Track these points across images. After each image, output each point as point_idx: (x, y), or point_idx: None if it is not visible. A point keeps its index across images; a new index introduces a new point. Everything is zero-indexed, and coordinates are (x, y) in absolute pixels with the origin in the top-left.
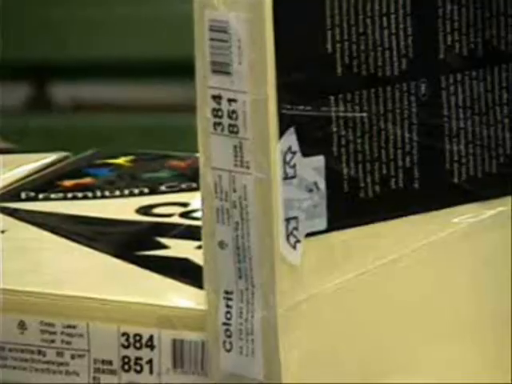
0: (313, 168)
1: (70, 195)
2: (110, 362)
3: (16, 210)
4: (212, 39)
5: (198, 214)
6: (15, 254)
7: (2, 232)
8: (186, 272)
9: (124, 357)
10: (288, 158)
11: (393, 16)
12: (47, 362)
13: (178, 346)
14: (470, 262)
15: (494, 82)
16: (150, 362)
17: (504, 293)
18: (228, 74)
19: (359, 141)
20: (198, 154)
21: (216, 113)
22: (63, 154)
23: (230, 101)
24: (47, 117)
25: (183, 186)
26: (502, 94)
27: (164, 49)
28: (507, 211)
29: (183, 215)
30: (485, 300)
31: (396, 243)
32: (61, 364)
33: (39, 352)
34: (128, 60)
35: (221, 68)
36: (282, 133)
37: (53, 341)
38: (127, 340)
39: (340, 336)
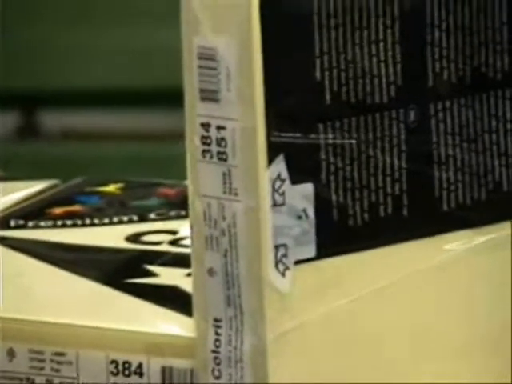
0: (302, 195)
1: (59, 223)
2: None
3: (5, 238)
4: (200, 67)
5: (187, 242)
6: (4, 281)
7: None
8: (175, 299)
9: None
10: (277, 185)
11: (381, 43)
12: None
13: (167, 374)
14: (461, 288)
15: (482, 109)
16: None
17: (496, 316)
18: (217, 101)
19: (348, 168)
20: (186, 182)
21: (205, 140)
22: (52, 181)
23: (219, 128)
24: (36, 145)
25: (172, 213)
26: (490, 121)
27: (152, 77)
28: (498, 238)
29: (172, 243)
30: (477, 323)
31: (386, 270)
32: None
33: (28, 379)
34: (116, 88)
35: (209, 95)
36: (270, 160)
37: (42, 368)
38: (116, 367)
39: (329, 363)
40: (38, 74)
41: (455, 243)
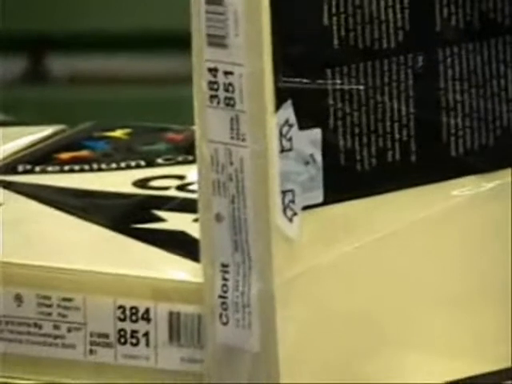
0: (309, 141)
1: (66, 168)
2: (107, 335)
3: (12, 182)
4: (208, 12)
5: (194, 187)
6: (12, 227)
7: None
8: (182, 245)
9: (120, 330)
10: (284, 130)
11: None
12: (44, 335)
13: (174, 319)
14: (468, 234)
15: (490, 55)
16: (146, 334)
17: (504, 264)
18: (224, 46)
19: (356, 114)
20: (194, 127)
21: (212, 86)
22: (60, 126)
23: (227, 73)
24: (44, 89)
25: (180, 158)
26: (498, 67)
27: (162, 21)
28: (506, 184)
29: (180, 188)
30: (485, 271)
31: (394, 216)
32: (57, 337)
33: (35, 325)
34: (125, 32)
35: (217, 41)
36: (278, 106)
37: (49, 314)
38: (123, 313)
39: (336, 309)
40: (46, 17)
41: (463, 189)
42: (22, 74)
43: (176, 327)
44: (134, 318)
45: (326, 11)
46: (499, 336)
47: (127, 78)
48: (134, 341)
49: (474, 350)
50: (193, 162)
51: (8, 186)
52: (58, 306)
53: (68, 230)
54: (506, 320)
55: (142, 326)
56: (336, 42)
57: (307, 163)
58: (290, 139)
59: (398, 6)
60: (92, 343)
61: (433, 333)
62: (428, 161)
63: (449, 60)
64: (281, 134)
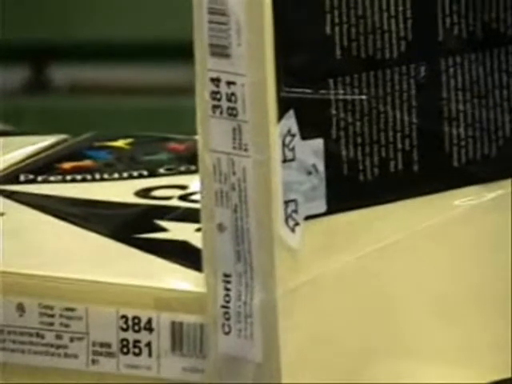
0: (312, 151)
1: (68, 178)
2: (109, 345)
3: (15, 192)
4: (211, 22)
5: (196, 197)
6: (14, 236)
7: (1, 215)
8: (184, 255)
9: (123, 339)
10: (287, 140)
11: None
12: (46, 345)
13: (176, 329)
14: (470, 244)
15: (493, 65)
16: (148, 344)
17: (505, 274)
18: (227, 56)
19: (358, 124)
20: (196, 137)
21: (215, 95)
22: (62, 136)
23: (229, 83)
24: (46, 99)
25: (182, 168)
26: (501, 77)
27: (164, 31)
28: (507, 194)
29: (182, 198)
30: (485, 282)
31: (396, 226)
32: (59, 347)
33: (38, 335)
34: (127, 42)
35: (220, 50)
36: (281, 115)
37: (51, 323)
38: (126, 323)
39: (339, 318)
40: (47, 26)
41: (464, 199)
42: (24, 83)
43: (178, 337)
44: (136, 327)
45: (328, 21)
46: (495, 346)
47: (129, 88)
48: (136, 350)
49: (469, 359)
50: (195, 171)
51: (10, 195)
52: (61, 315)
53: (70, 240)
54: (503, 329)
55: (144, 336)
56: (338, 51)
57: (310, 173)
58: (292, 149)
59: (400, 17)
60: (94, 353)
61: (431, 341)
62: (430, 171)
63: (451, 70)
64: (283, 144)
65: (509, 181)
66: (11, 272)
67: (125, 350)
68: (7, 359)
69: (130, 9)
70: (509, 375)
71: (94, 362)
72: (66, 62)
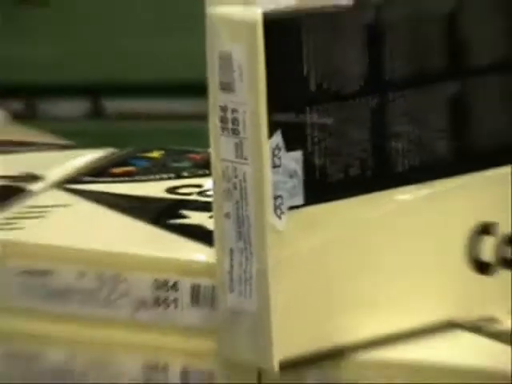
0: (293, 160)
1: (118, 179)
2: (145, 301)
3: (79, 190)
4: (220, 65)
5: (210, 193)
6: (77, 221)
7: (69, 206)
8: (201, 235)
9: (156, 297)
10: (276, 152)
11: (353, 51)
12: (100, 300)
13: (195, 289)
14: (408, 229)
15: (428, 97)
16: (175, 300)
17: (437, 259)
18: (232, 90)
19: (328, 140)
20: (210, 150)
21: (223, 120)
22: (111, 150)
23: (233, 110)
24: (100, 123)
25: (199, 172)
26: (435, 104)
27: (185, 72)
28: (438, 192)
29: (199, 194)
30: (420, 262)
31: (355, 215)
32: (111, 302)
33: (92, 293)
34: (158, 80)
35: (227, 86)
36: (271, 134)
37: (102, 288)
38: (158, 284)
39: (313, 281)
40: (101, 68)
41: (405, 195)
42: (85, 111)
43: (196, 295)
44: (166, 288)
45: (305, 65)
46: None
47: (161, 115)
48: (165, 305)
49: (417, 308)
50: (209, 175)
51: (75, 192)
52: (111, 278)
53: (119, 225)
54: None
55: (171, 294)
56: (313, 87)
57: (291, 176)
58: (279, 158)
59: (359, 61)
60: (135, 307)
61: (384, 295)
62: (380, 175)
63: (397, 100)
64: (273, 155)
65: (440, 181)
66: (74, 247)
67: (157, 304)
68: (75, 312)
69: (160, 55)
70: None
71: (135, 312)
72: (115, 95)
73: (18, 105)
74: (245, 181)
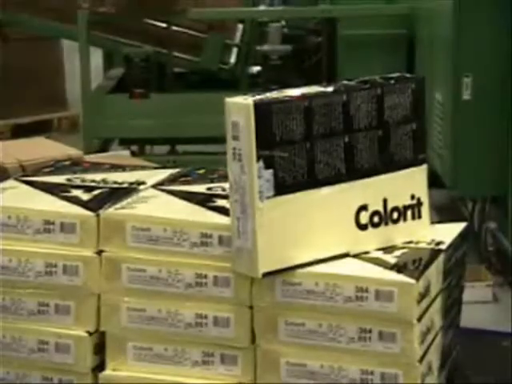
0: (268, 173)
1: (182, 183)
2: (196, 243)
3: (164, 189)
4: (232, 127)
5: (227, 191)
6: (164, 205)
7: (156, 197)
8: (224, 211)
9: (201, 241)
10: (260, 170)
11: (296, 120)
12: (174, 243)
13: (222, 239)
14: (331, 206)
15: (333, 143)
16: (210, 242)
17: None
18: (239, 139)
19: (284, 164)
20: (227, 169)
21: (234, 153)
22: (180, 169)
23: (239, 149)
24: (175, 157)
25: (222, 180)
26: (337, 148)
27: (212, 130)
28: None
29: (223, 191)
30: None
31: (299, 200)
32: (179, 243)
33: (170, 239)
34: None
35: (236, 137)
36: (257, 161)
37: (175, 233)
38: (202, 235)
39: (282, 232)
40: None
41: (323, 191)
42: (166, 151)
43: (221, 240)
44: (206, 236)
45: (274, 127)
46: None
47: (204, 152)
48: (205, 245)
49: None
50: (226, 181)
51: (162, 190)
52: (180, 232)
53: (182, 206)
54: None
55: (208, 239)
56: (278, 138)
57: (268, 180)
58: (261, 173)
59: (300, 127)
60: (191, 246)
61: (317, 238)
62: (311, 180)
63: (318, 143)
64: (258, 171)
65: (339, 185)
66: (162, 217)
67: (202, 244)
68: (163, 250)
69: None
70: None
71: (193, 247)
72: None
73: (134, 148)
74: (244, 184)
